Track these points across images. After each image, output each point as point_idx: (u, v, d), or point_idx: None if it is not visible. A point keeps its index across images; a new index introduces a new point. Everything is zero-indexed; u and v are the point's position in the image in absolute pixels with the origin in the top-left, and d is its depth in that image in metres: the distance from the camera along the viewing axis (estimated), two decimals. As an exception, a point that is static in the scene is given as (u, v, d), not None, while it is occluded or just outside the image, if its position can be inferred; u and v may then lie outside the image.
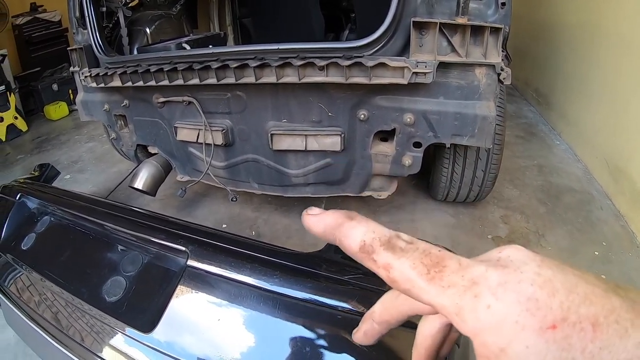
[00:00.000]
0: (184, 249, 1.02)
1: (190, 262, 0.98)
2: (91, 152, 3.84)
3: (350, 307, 0.87)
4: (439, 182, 2.01)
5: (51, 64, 5.28)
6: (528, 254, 0.28)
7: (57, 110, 4.87)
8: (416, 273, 0.27)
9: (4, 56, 4.59)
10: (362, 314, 0.84)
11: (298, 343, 0.87)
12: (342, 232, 0.32)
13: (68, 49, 2.15)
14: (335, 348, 0.86)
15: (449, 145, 1.62)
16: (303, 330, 0.87)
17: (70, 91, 5.06)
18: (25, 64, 5.32)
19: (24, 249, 1.34)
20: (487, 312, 0.25)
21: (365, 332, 0.38)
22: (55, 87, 5.01)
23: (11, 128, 4.48)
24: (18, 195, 1.51)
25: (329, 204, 2.44)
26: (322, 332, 0.88)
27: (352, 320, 0.86)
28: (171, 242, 1.06)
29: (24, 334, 1.48)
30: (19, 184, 1.68)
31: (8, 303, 1.28)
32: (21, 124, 4.56)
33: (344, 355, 0.86)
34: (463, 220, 2.22)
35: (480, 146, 1.57)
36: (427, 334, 0.36)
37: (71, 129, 4.62)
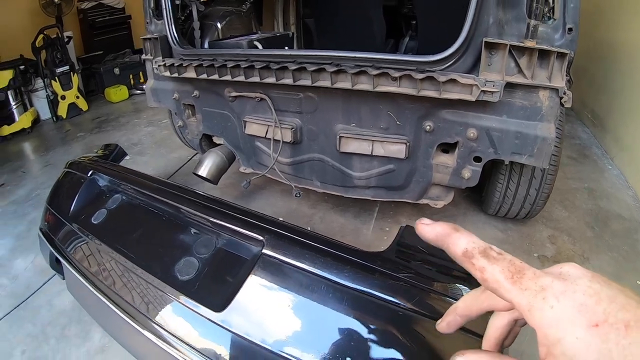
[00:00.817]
0: (260, 237, 1.10)
1: (266, 251, 1.06)
2: (151, 136, 4.00)
3: (411, 305, 0.93)
4: (493, 196, 2.04)
5: (113, 48, 5.54)
6: (582, 270, 0.38)
7: (117, 93, 5.12)
8: (503, 277, 0.37)
9: (69, 38, 4.84)
10: (421, 312, 0.90)
11: (360, 333, 0.93)
12: (450, 240, 0.44)
13: (142, 37, 2.26)
14: (393, 341, 0.92)
15: (507, 162, 1.65)
16: (366, 323, 0.94)
17: (131, 76, 5.28)
18: (88, 47, 5.60)
19: (95, 222, 1.43)
20: (550, 311, 0.35)
21: (448, 323, 0.48)
22: (116, 71, 5.25)
23: (72, 106, 4.73)
24: (90, 172, 1.60)
25: (382, 207, 2.50)
26: (382, 325, 0.95)
27: (412, 316, 0.92)
28: (248, 230, 1.14)
29: (86, 302, 1.57)
30: (89, 161, 1.78)
31: (73, 271, 1.37)
32: (82, 104, 4.79)
33: (401, 343, 0.93)
34: (512, 236, 2.23)
35: (537, 166, 1.60)
36: (498, 325, 0.47)
37: (130, 112, 4.82)
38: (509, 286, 0.37)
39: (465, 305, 0.49)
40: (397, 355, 0.91)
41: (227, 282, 1.09)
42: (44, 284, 2.14)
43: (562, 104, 1.46)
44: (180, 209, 1.34)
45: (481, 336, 0.53)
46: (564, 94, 1.44)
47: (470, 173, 1.66)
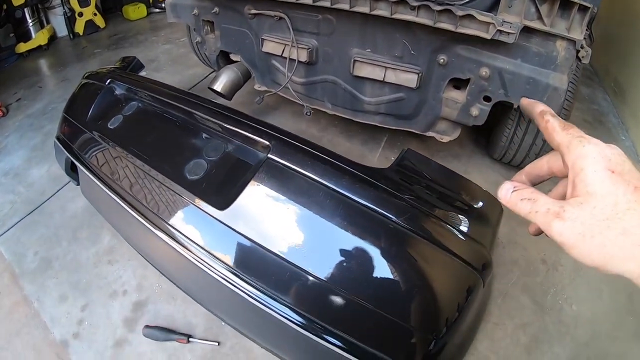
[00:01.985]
0: (267, 142, 1.14)
1: (272, 156, 1.11)
2: (168, 54, 3.99)
3: (401, 220, 0.99)
4: (499, 141, 2.05)
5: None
6: (617, 148, 0.45)
7: (135, 10, 5.02)
8: (558, 125, 0.49)
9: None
10: (411, 229, 0.95)
11: (352, 240, 1.00)
12: (535, 106, 0.56)
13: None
14: (382, 252, 0.99)
15: (516, 107, 1.66)
16: (362, 235, 1.01)
17: (150, -7, 5.17)
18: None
19: (111, 127, 1.49)
20: (582, 148, 0.44)
21: (515, 185, 0.50)
22: (135, -12, 5.10)
23: (90, 24, 4.68)
24: (108, 81, 1.64)
25: (390, 138, 2.53)
26: (373, 236, 1.01)
27: (401, 232, 0.99)
28: (256, 135, 1.19)
29: (99, 203, 1.64)
30: (107, 71, 1.81)
31: (88, 174, 1.45)
32: (99, 21, 4.74)
33: (390, 256, 0.99)
34: None
35: None
36: (536, 165, 0.58)
37: (148, 30, 4.77)
38: (560, 131, 0.48)
39: (530, 168, 0.59)
40: (388, 269, 0.98)
41: (232, 183, 1.15)
42: (58, 190, 2.25)
43: (579, 58, 1.46)
44: (193, 115, 1.39)
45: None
46: (582, 47, 1.43)
47: (479, 111, 1.67)
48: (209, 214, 1.11)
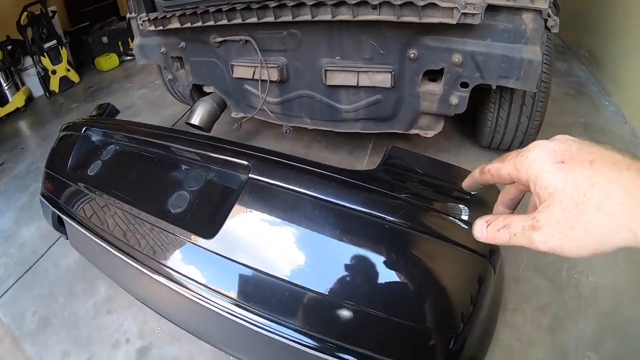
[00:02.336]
0: (246, 162, 1.11)
1: (252, 175, 1.08)
2: (144, 98, 4.00)
3: (399, 219, 0.94)
4: (484, 126, 2.03)
5: (99, 19, 5.47)
6: (567, 136, 0.46)
7: (107, 61, 5.06)
8: (498, 163, 0.52)
9: (54, 12, 4.76)
10: (410, 227, 0.91)
11: (351, 249, 0.95)
12: (474, 173, 0.59)
13: (125, -5, 2.22)
14: (385, 255, 0.95)
15: (495, 89, 1.64)
16: (354, 238, 0.96)
17: (120, 43, 5.23)
18: (74, 20, 5.53)
19: (91, 174, 1.46)
20: (526, 160, 0.46)
21: (486, 220, 0.51)
22: (105, 39, 5.18)
23: (64, 80, 4.71)
24: (83, 129, 1.62)
25: (376, 144, 2.50)
26: (372, 240, 0.97)
27: (401, 231, 0.95)
28: (234, 157, 1.16)
29: (89, 253, 1.61)
30: (83, 120, 1.79)
31: (75, 225, 1.41)
32: (73, 76, 4.77)
33: (394, 259, 0.95)
34: None
35: (526, 89, 1.59)
36: (505, 192, 0.60)
37: (122, 78, 4.80)
38: (501, 165, 0.50)
39: (502, 198, 0.61)
40: (394, 272, 0.94)
41: (217, 210, 1.11)
42: (49, 248, 2.23)
43: (548, 28, 1.44)
44: (169, 148, 1.36)
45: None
46: (549, 16, 1.41)
47: (458, 99, 1.65)
48: (197, 245, 1.07)
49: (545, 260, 1.64)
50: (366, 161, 2.39)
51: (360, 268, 0.94)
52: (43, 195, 1.61)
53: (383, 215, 0.95)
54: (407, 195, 1.01)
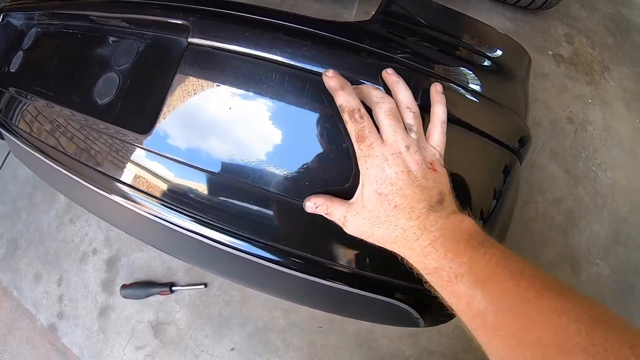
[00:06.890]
0: (183, 22, 0.78)
1: (192, 39, 0.75)
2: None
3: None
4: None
5: None
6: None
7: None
8: (354, 136, 0.60)
9: None
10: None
11: (332, 136, 0.66)
12: (335, 94, 0.62)
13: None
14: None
15: None
16: (340, 121, 0.65)
17: None
18: None
19: (12, 71, 1.15)
20: (367, 170, 0.58)
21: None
22: None
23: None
24: (1, 16, 1.27)
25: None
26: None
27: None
28: (169, 17, 0.82)
29: (29, 163, 1.38)
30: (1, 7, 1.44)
31: (9, 136, 1.15)
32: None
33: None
34: (522, 28, 1.94)
35: None
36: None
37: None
38: (355, 141, 0.59)
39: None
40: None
41: (152, 93, 0.80)
42: (5, 157, 2.05)
43: None
44: (93, 18, 1.00)
45: None
46: None
47: None
48: (132, 144, 0.79)
49: (562, 145, 1.49)
50: (355, 10, 1.98)
51: (347, 159, 0.65)
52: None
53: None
54: (410, 57, 0.73)
